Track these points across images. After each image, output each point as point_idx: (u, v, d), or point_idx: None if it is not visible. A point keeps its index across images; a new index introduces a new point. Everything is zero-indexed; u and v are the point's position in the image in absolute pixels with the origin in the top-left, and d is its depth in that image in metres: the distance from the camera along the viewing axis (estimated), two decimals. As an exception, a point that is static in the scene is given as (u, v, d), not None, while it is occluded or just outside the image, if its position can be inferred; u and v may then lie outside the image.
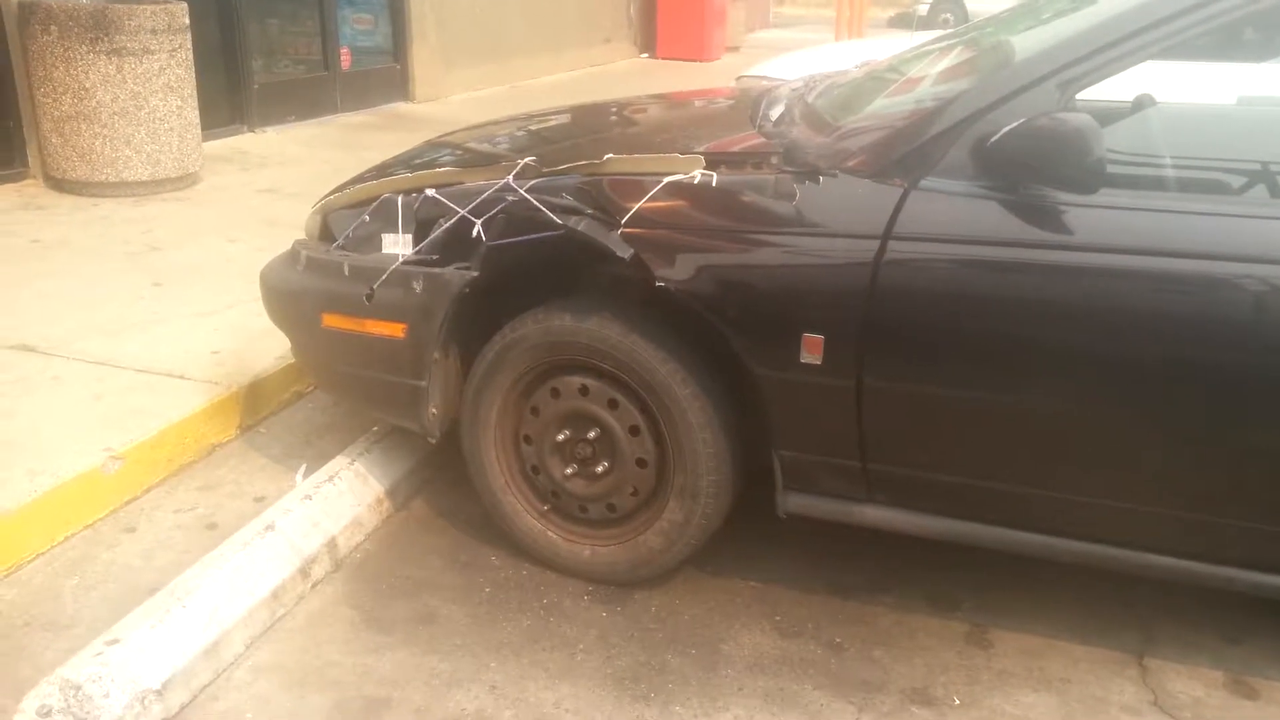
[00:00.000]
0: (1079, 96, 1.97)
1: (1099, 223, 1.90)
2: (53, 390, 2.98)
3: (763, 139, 2.40)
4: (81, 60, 4.91)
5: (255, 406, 3.07)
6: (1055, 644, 2.25)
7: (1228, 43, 3.75)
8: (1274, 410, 1.86)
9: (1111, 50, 1.90)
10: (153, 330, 3.43)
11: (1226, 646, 2.25)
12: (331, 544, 2.48)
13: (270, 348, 3.22)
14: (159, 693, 1.96)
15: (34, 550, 2.40)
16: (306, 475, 2.72)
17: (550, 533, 2.46)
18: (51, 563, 2.39)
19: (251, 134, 6.88)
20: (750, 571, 2.49)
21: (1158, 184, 2.25)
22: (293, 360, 3.07)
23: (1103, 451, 1.98)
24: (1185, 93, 3.32)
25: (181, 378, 3.06)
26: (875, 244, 1.98)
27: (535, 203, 2.25)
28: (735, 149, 2.35)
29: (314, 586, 2.40)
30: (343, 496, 2.61)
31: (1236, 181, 2.35)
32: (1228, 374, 1.86)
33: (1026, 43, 2.24)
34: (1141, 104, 2.77)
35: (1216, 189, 2.29)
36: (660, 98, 3.59)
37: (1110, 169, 1.92)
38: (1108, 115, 2.34)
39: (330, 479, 2.63)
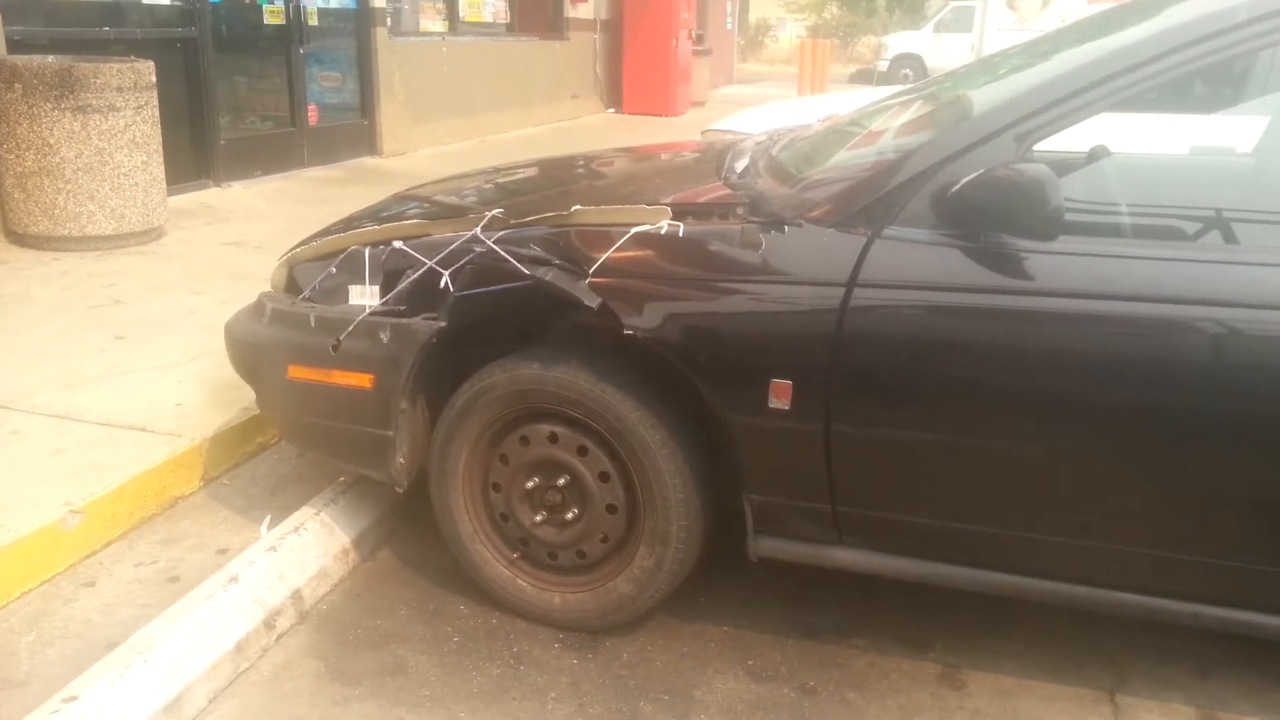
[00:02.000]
0: (1036, 148, 2.02)
1: (1058, 268, 1.94)
2: (12, 444, 2.93)
3: (728, 190, 2.43)
4: (46, 117, 4.89)
5: (219, 458, 3.03)
6: (1028, 683, 2.26)
7: (1179, 96, 3.86)
8: (1231, 448, 1.89)
9: (1067, 103, 1.96)
10: (115, 383, 3.39)
11: (1197, 682, 2.26)
12: (297, 596, 2.45)
13: (235, 399, 3.20)
14: (118, 751, 1.91)
15: (-10, 607, 2.35)
16: (271, 527, 2.68)
17: (520, 580, 2.44)
18: (7, 619, 2.33)
19: (217, 188, 6.87)
20: (722, 616, 2.48)
21: (1114, 231, 2.31)
22: (257, 412, 3.04)
23: (1068, 491, 2.00)
24: (1139, 143, 3.41)
25: (144, 430, 3.03)
26: (841, 291, 2.01)
27: (503, 253, 2.27)
28: (702, 200, 2.38)
29: (279, 639, 2.36)
30: (308, 548, 2.57)
31: (1190, 228, 2.41)
32: (1186, 414, 1.90)
33: (984, 97, 2.30)
34: (1096, 154, 2.85)
35: (1171, 235, 2.35)
36: (627, 151, 3.64)
37: (1068, 217, 1.96)
38: (1064, 165, 2.40)
39: (295, 530, 2.60)
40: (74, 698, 1.95)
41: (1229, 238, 2.33)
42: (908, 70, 21.17)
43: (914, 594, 2.29)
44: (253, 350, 2.70)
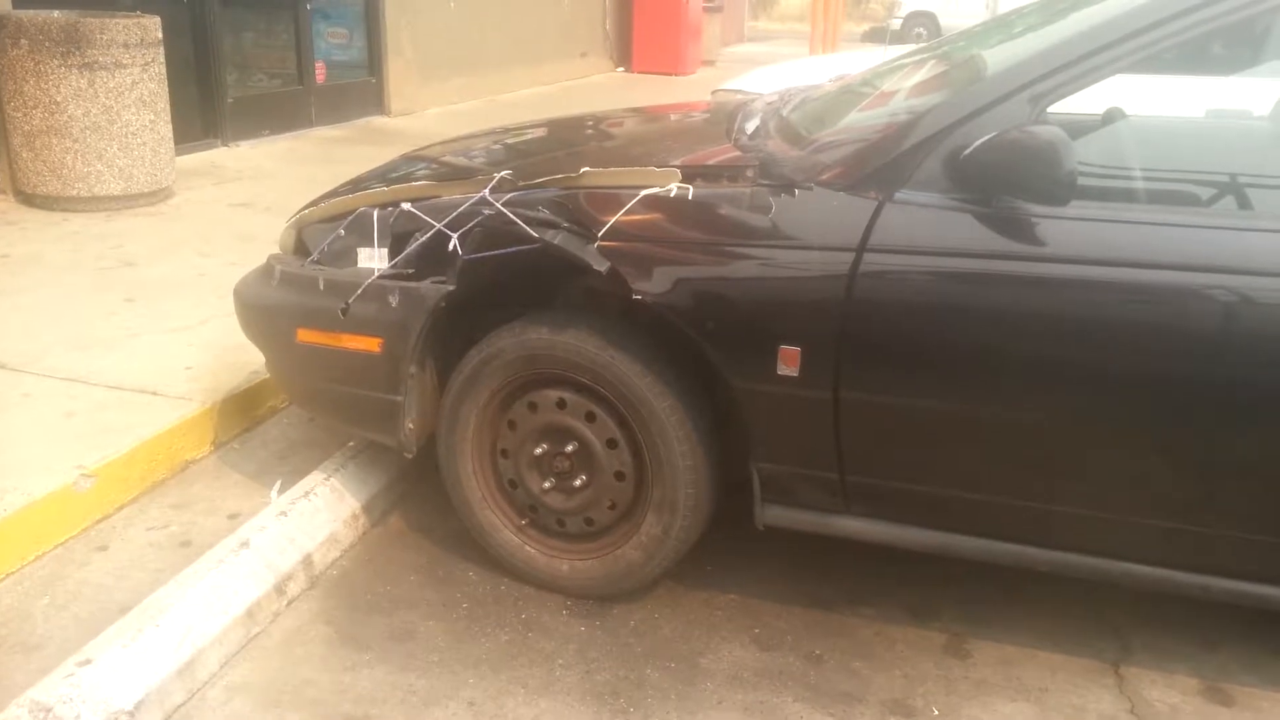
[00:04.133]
0: (1050, 110, 1.99)
1: (1071, 234, 1.91)
2: (23, 407, 2.94)
3: (738, 152, 2.41)
4: (53, 74, 4.86)
5: (229, 422, 3.04)
6: (1033, 653, 2.26)
7: (1195, 57, 3.80)
8: (1246, 418, 1.88)
9: (1081, 65, 1.93)
10: (125, 346, 3.40)
11: (1203, 653, 2.27)
12: (307, 561, 2.46)
13: (245, 363, 3.20)
14: (131, 714, 1.93)
15: (4, 570, 2.37)
16: (281, 491, 2.70)
17: (528, 547, 2.45)
18: (21, 582, 2.36)
19: (225, 148, 6.84)
20: (729, 584, 2.49)
21: (1128, 196, 2.28)
22: (267, 376, 3.05)
23: (1078, 461, 2.00)
24: (1155, 106, 3.36)
25: (154, 394, 3.03)
26: (851, 256, 1.99)
27: (511, 216, 2.25)
28: (711, 162, 2.36)
29: (290, 604, 2.38)
30: (318, 513, 2.59)
31: (1205, 193, 2.38)
32: (1200, 383, 1.88)
33: (998, 57, 2.26)
34: (1111, 117, 2.80)
35: (1186, 201, 2.32)
36: (636, 111, 3.60)
37: (1081, 181, 1.93)
38: (1078, 128, 2.37)
39: (306, 495, 2.61)
40: (88, 661, 1.97)
41: (1244, 203, 2.30)
42: (921, 29, 20.86)
43: (921, 563, 2.29)
44: (262, 314, 2.70)
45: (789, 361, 2.04)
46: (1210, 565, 2.02)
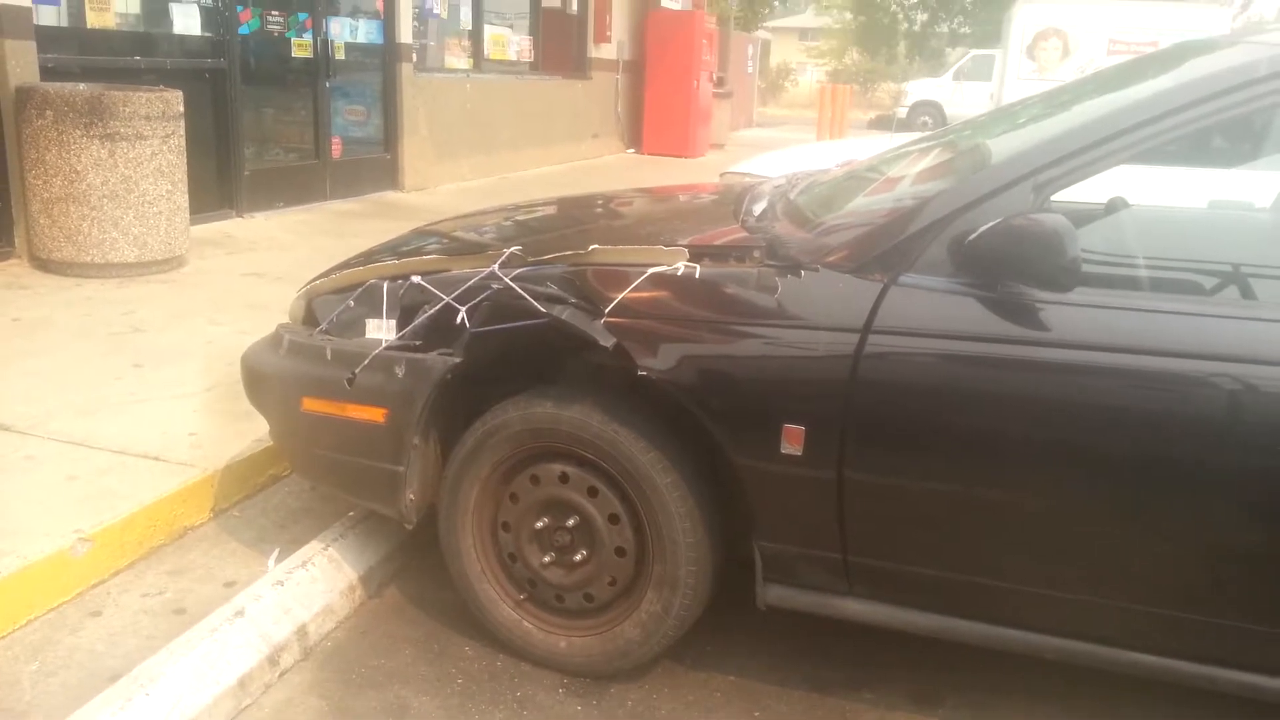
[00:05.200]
0: (1054, 198, 2.02)
1: (1075, 320, 1.92)
2: (25, 470, 2.94)
3: (746, 233, 2.44)
4: (75, 144, 4.96)
5: (230, 490, 3.03)
6: (1038, 745, 2.22)
7: (1198, 150, 3.86)
8: (1249, 508, 1.87)
9: (1085, 154, 1.96)
10: (131, 411, 3.40)
11: (1211, 750, 2.22)
12: (302, 631, 2.43)
13: (248, 430, 3.20)
14: (116, 785, 1.90)
15: (-5, 634, 2.34)
16: (279, 560, 2.68)
17: (526, 623, 2.42)
18: (11, 647, 2.33)
19: (240, 219, 6.94)
20: (728, 664, 2.45)
21: (1132, 284, 2.30)
22: (270, 443, 3.05)
23: (1083, 546, 1.98)
24: (1157, 196, 3.40)
25: (157, 459, 3.03)
26: (856, 337, 2.00)
27: (520, 291, 2.27)
28: (719, 242, 2.39)
29: (282, 675, 2.35)
30: (315, 583, 2.56)
31: (1208, 282, 2.40)
32: (1203, 470, 1.87)
33: (1003, 146, 2.30)
34: (1115, 206, 2.84)
35: (1189, 289, 2.34)
36: (645, 191, 3.66)
37: (1085, 268, 1.95)
38: (1082, 216, 2.40)
39: (303, 564, 2.59)
40: (74, 729, 1.93)
41: (1246, 293, 2.32)
42: (927, 117, 21.28)
43: (924, 647, 2.26)
44: (269, 382, 2.71)
45: (793, 440, 2.04)
46: (1217, 656, 1.98)
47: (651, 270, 2.20)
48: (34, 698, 2.17)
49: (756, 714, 2.29)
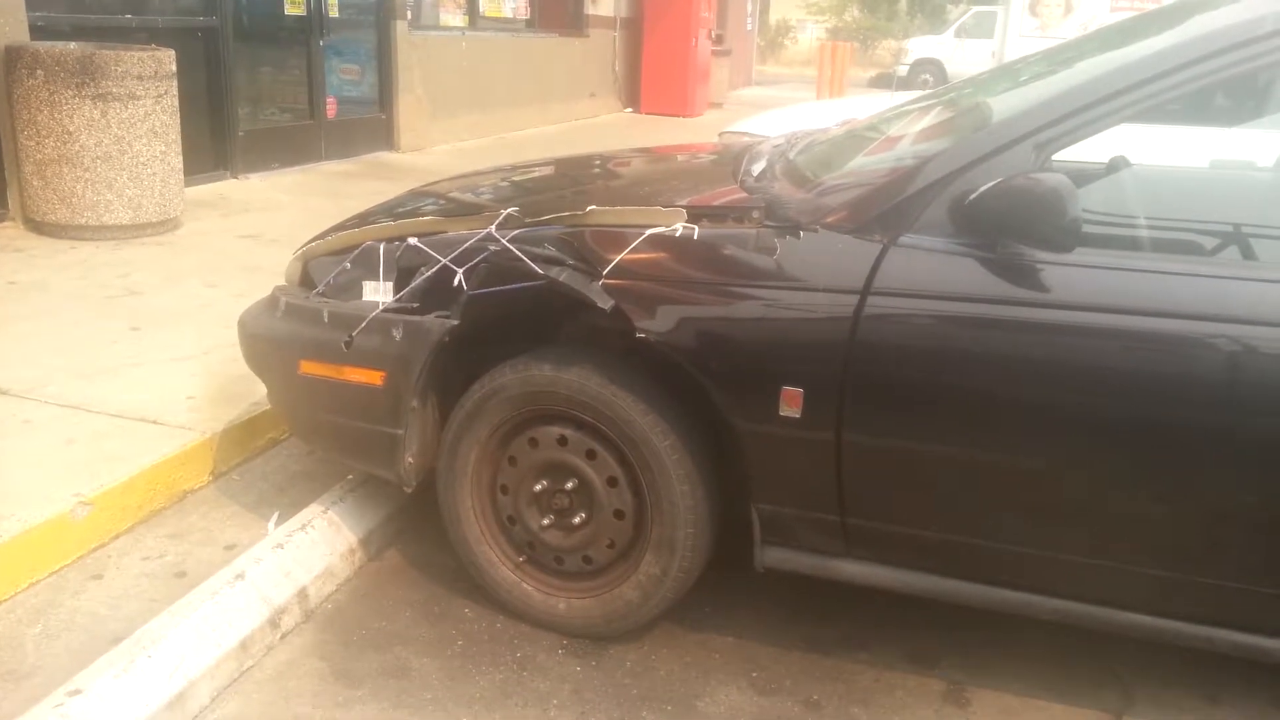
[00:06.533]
0: (1055, 157, 2.00)
1: (1075, 281, 1.91)
2: (23, 434, 2.94)
3: (745, 194, 2.42)
4: (67, 104, 4.91)
5: (229, 453, 3.03)
6: (1034, 702, 2.24)
7: (1200, 108, 3.83)
8: (1248, 468, 1.87)
9: (1087, 113, 1.94)
10: (128, 374, 3.40)
11: (1206, 706, 2.24)
12: (302, 594, 2.44)
13: (246, 394, 3.20)
14: (120, 746, 1.91)
15: (-3, 597, 2.36)
16: (279, 523, 2.68)
17: (525, 585, 2.43)
18: (14, 610, 2.34)
19: (235, 180, 6.89)
20: (727, 626, 2.46)
21: (1132, 244, 2.28)
22: (269, 407, 3.04)
23: (1081, 507, 1.98)
24: (1159, 155, 3.38)
25: (155, 423, 3.03)
26: (855, 298, 1.99)
27: (517, 253, 2.26)
28: (717, 203, 2.37)
29: (283, 637, 2.36)
30: (315, 546, 2.57)
31: (1209, 243, 2.38)
32: (1203, 431, 1.87)
33: (1004, 104, 2.28)
34: (1116, 166, 2.82)
35: (1189, 250, 2.32)
36: (643, 152, 3.63)
37: (1086, 229, 1.94)
38: (1083, 176, 2.38)
39: (303, 528, 2.60)
40: (78, 691, 1.95)
41: (1248, 253, 2.30)
42: (927, 75, 21.09)
43: (922, 608, 2.27)
44: (266, 344, 2.70)
45: (791, 403, 2.04)
46: (1214, 616, 2.00)
47: (650, 231, 2.19)
48: (38, 659, 2.18)
49: (755, 674, 2.31)
